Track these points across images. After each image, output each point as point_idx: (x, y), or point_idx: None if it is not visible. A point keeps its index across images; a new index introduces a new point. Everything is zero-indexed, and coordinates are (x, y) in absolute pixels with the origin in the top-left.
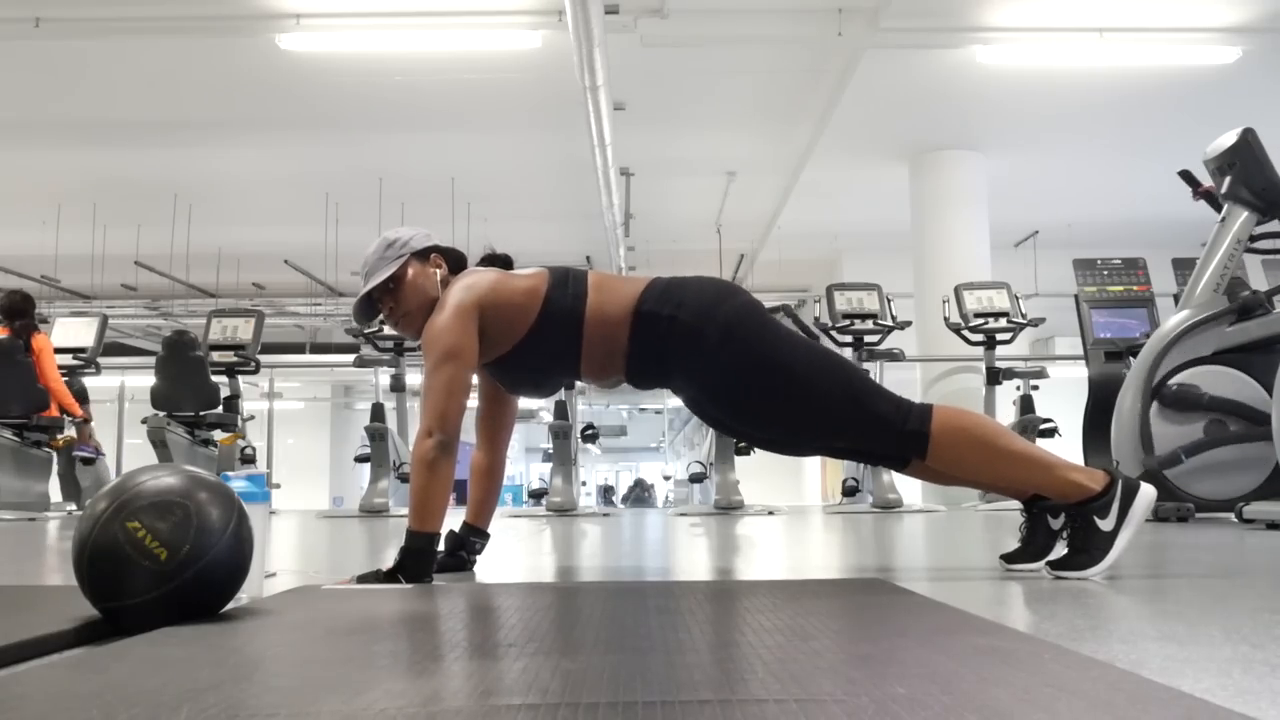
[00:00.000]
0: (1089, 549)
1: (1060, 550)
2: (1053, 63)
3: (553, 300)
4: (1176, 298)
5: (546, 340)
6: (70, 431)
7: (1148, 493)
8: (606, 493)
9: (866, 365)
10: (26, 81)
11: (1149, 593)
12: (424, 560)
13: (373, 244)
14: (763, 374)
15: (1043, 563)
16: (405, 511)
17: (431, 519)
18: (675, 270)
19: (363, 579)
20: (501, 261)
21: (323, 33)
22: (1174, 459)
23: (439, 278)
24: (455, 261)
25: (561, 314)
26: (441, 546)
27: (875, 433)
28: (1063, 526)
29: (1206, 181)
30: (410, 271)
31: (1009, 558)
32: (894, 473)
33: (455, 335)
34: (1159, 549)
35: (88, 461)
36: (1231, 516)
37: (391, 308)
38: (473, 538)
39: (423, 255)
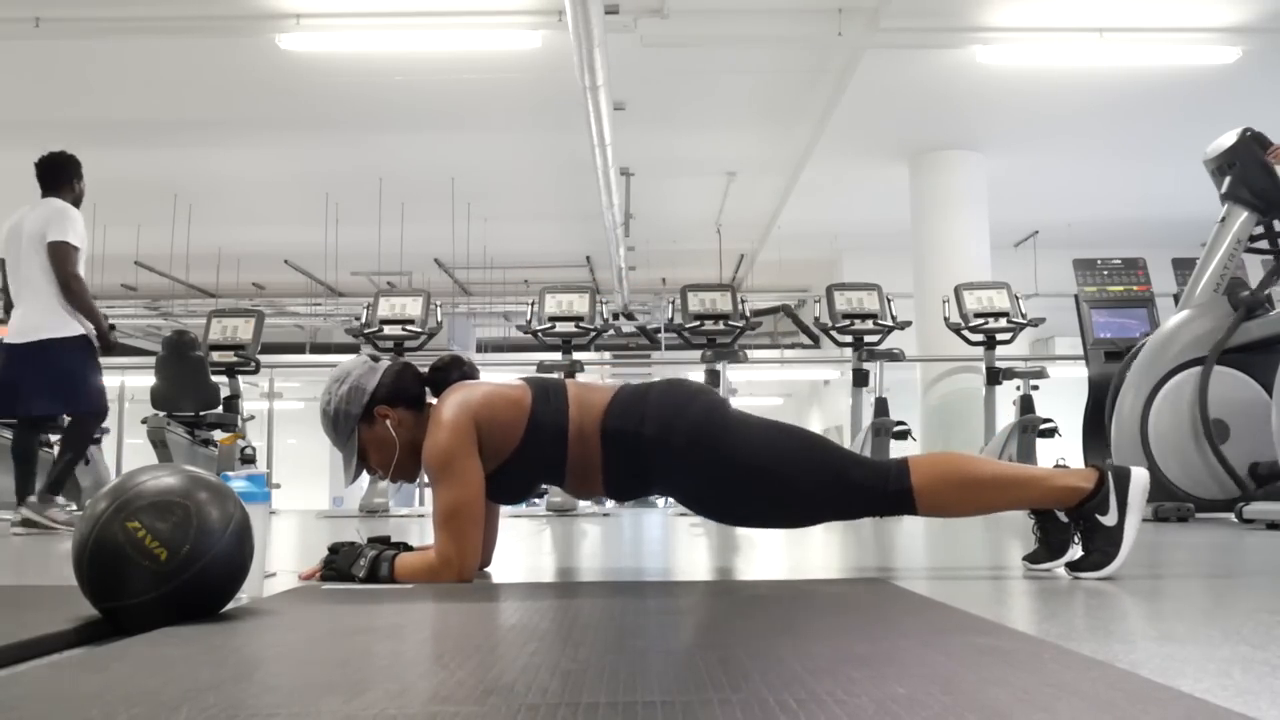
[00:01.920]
0: (1101, 547)
1: (1076, 552)
2: (1053, 63)
3: (538, 414)
4: (1176, 298)
5: (534, 454)
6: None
7: (1140, 476)
8: None
9: (866, 365)
10: (27, 81)
11: (1149, 593)
12: (355, 563)
13: (321, 421)
14: (736, 476)
15: (1062, 563)
16: (405, 511)
17: (406, 579)
18: (675, 270)
19: (336, 553)
20: (463, 373)
21: (323, 33)
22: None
23: (392, 426)
24: (402, 384)
25: (547, 428)
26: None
27: (861, 501)
28: (1073, 528)
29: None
30: (365, 438)
31: (1031, 558)
32: None
33: (460, 461)
34: (1159, 549)
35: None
36: (1231, 516)
37: (373, 468)
38: None
39: (367, 417)
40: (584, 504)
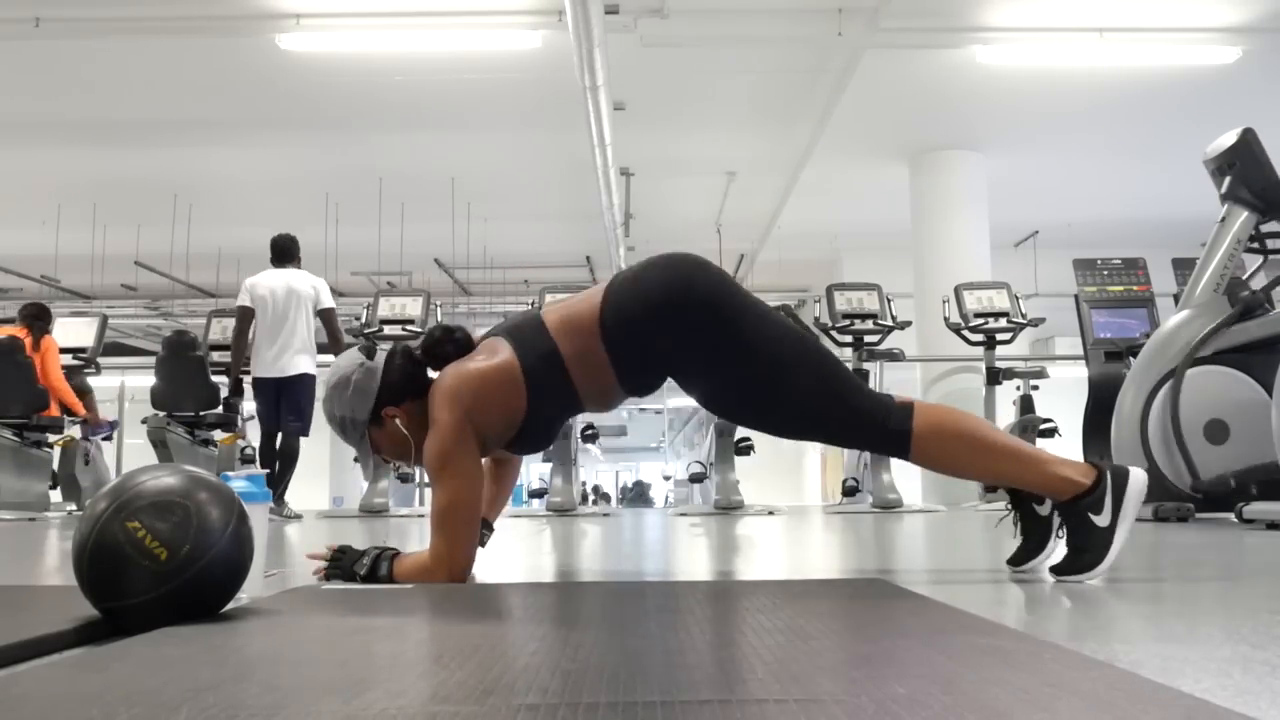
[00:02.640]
0: (1089, 547)
1: (1060, 552)
2: (1053, 63)
3: (532, 369)
4: (1176, 298)
5: (547, 404)
6: (70, 431)
7: (1138, 478)
8: (595, 491)
9: (866, 365)
10: (27, 81)
11: (1149, 593)
12: (379, 581)
13: (330, 425)
14: (739, 358)
15: (1043, 561)
16: (405, 511)
17: (407, 581)
18: None
19: (339, 557)
20: (456, 342)
21: (323, 33)
22: (1223, 482)
23: (401, 424)
24: (402, 378)
25: (548, 376)
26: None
27: (857, 429)
28: (1059, 525)
29: None
30: (377, 438)
31: (1013, 560)
32: (893, 474)
33: (457, 463)
34: (1159, 549)
35: (107, 438)
36: (1231, 516)
37: (388, 459)
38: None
39: (376, 421)
40: (584, 505)
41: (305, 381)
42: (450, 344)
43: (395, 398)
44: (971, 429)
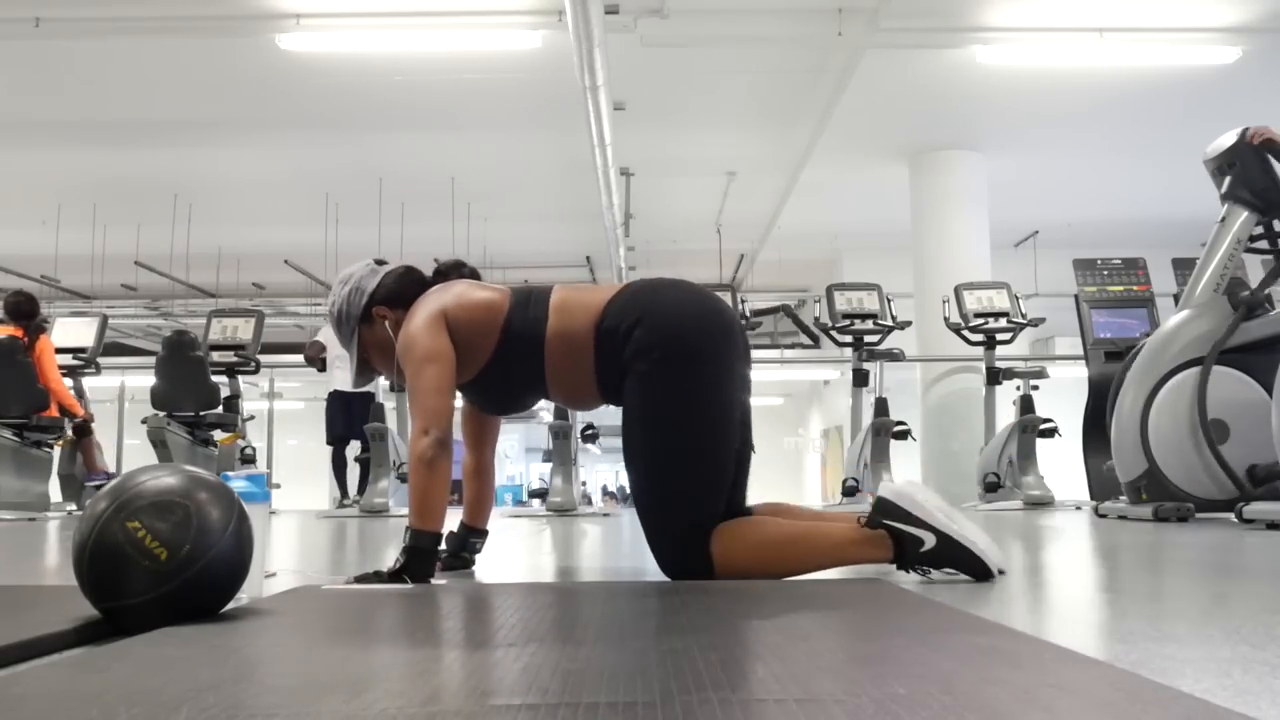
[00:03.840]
0: (960, 563)
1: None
2: (1053, 63)
3: (513, 322)
4: (1176, 298)
5: (511, 365)
6: (70, 432)
7: (890, 489)
8: (603, 492)
9: (867, 365)
10: (26, 81)
11: (1149, 593)
12: (428, 559)
13: (327, 319)
14: (685, 411)
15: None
16: (405, 511)
17: (433, 517)
18: (674, 267)
19: (361, 579)
20: (463, 273)
21: (323, 33)
22: (1274, 472)
23: (390, 326)
24: (403, 287)
25: (523, 338)
26: (443, 546)
27: (675, 538)
28: (922, 572)
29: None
30: (366, 339)
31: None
32: (893, 474)
33: (428, 339)
34: (1159, 549)
35: (98, 488)
36: (1231, 516)
37: (380, 371)
38: (472, 538)
39: (365, 318)
40: (584, 505)
41: (369, 397)
42: (456, 273)
43: (389, 300)
44: (761, 541)
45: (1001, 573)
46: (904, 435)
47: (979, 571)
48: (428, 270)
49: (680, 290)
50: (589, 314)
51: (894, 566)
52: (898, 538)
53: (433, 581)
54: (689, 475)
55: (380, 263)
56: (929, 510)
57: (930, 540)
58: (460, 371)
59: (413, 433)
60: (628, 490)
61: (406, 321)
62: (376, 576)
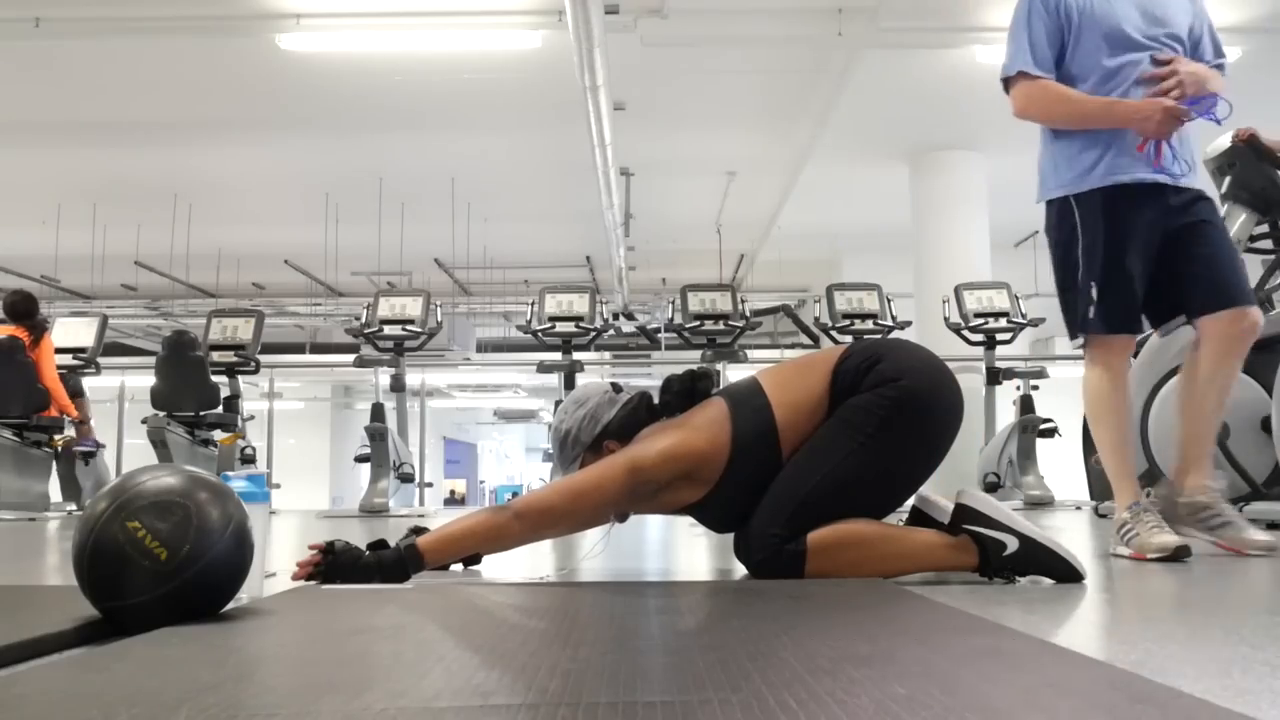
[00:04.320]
0: (1049, 569)
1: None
2: None
3: (738, 429)
4: None
5: (744, 466)
6: (70, 432)
7: (968, 495)
8: None
9: None
10: (26, 81)
11: (1149, 593)
12: (397, 574)
13: (551, 438)
14: (867, 430)
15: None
16: (405, 511)
17: (444, 554)
18: (674, 267)
19: (334, 557)
20: (700, 384)
21: (323, 33)
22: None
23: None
24: (637, 420)
25: (750, 437)
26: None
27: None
28: (1010, 578)
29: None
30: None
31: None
32: None
33: (608, 486)
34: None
35: (88, 456)
36: None
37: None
38: None
39: (595, 448)
40: None
41: None
42: (702, 384)
43: (621, 434)
44: (856, 535)
45: (1083, 576)
46: None
47: (1065, 574)
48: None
49: (921, 348)
50: (823, 369)
51: (978, 575)
52: (981, 543)
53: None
54: (856, 494)
55: (617, 389)
56: (1009, 513)
57: (1013, 544)
58: (684, 496)
59: (528, 498)
60: None
61: (635, 443)
62: (352, 557)
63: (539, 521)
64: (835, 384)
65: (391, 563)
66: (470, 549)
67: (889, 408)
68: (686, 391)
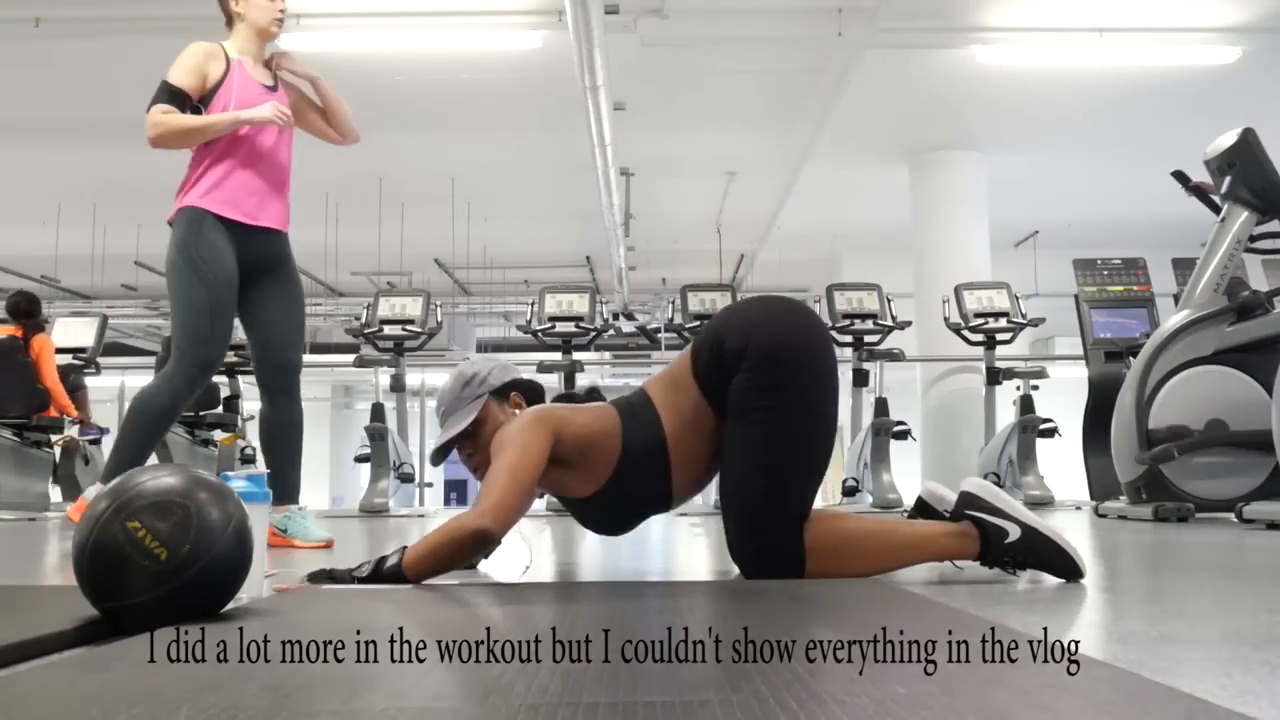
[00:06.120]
0: (1048, 562)
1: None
2: (1053, 63)
3: (629, 437)
4: (1176, 298)
5: (632, 471)
6: (70, 432)
7: (973, 483)
8: None
9: (867, 365)
10: (26, 81)
11: (1149, 593)
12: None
13: (448, 380)
14: (764, 393)
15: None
16: (405, 511)
17: (425, 575)
18: (674, 267)
19: (314, 578)
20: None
21: (323, 33)
22: (1167, 454)
23: (514, 413)
24: (533, 396)
25: (640, 450)
26: None
27: (768, 535)
28: (1010, 568)
29: (1198, 180)
30: (489, 413)
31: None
32: (893, 474)
33: (538, 441)
34: (1159, 549)
35: (94, 442)
36: (1231, 516)
37: (470, 453)
38: None
39: (501, 394)
40: None
41: None
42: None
43: (523, 392)
44: (852, 531)
45: (1083, 573)
46: (904, 435)
47: (1066, 569)
48: None
49: (754, 302)
50: (686, 376)
51: (979, 563)
52: (982, 529)
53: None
54: (800, 470)
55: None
56: (1012, 503)
57: (1015, 531)
58: (581, 483)
59: (473, 510)
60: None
61: (516, 420)
62: (330, 577)
63: (505, 519)
64: (704, 386)
65: (380, 578)
66: (445, 568)
67: (758, 375)
68: (585, 398)
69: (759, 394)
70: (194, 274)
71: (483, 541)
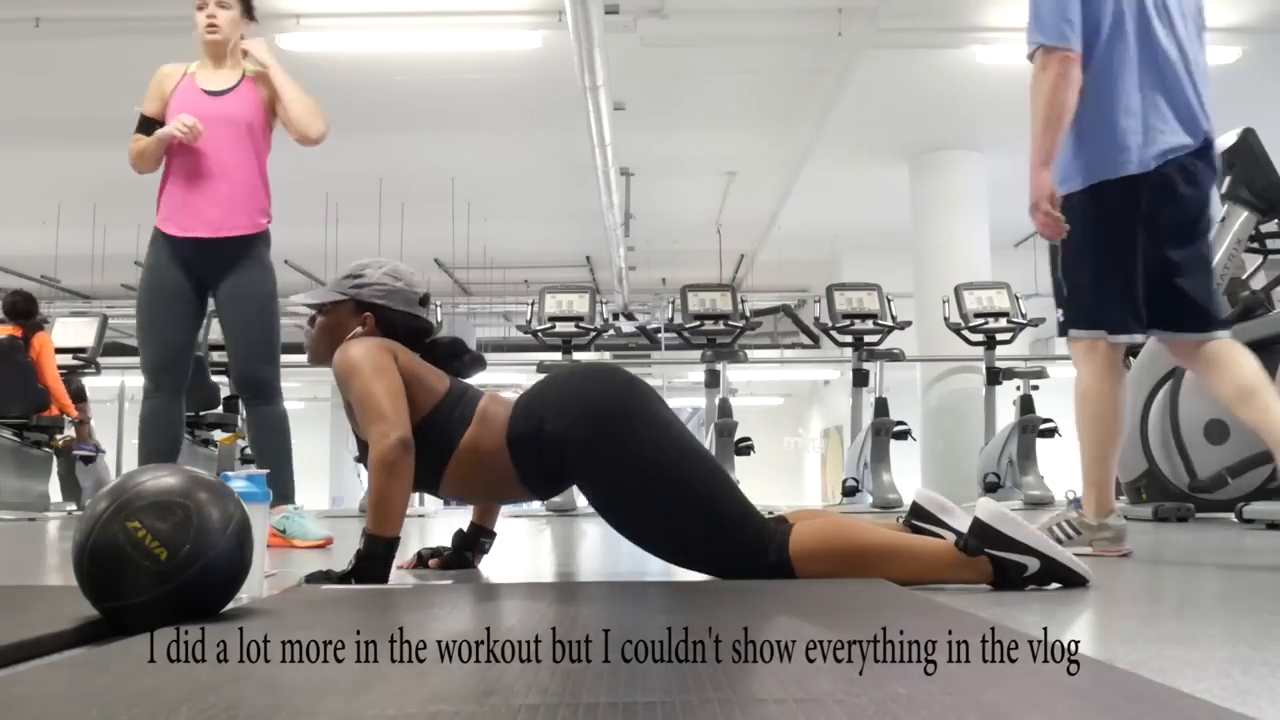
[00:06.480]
0: (1062, 579)
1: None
2: None
3: (440, 410)
4: None
5: (422, 442)
6: (70, 431)
7: (986, 510)
8: None
9: (866, 365)
10: (26, 81)
11: (1149, 593)
12: (381, 565)
13: (351, 263)
14: (624, 473)
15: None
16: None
17: (391, 522)
18: (674, 267)
19: (311, 579)
20: (451, 356)
21: (323, 33)
22: (1220, 481)
23: (361, 331)
24: (405, 333)
25: (438, 429)
26: (449, 544)
27: (739, 562)
28: (1026, 585)
29: None
30: (335, 318)
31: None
32: (893, 474)
33: (377, 356)
34: (1159, 549)
35: (88, 460)
36: (1231, 516)
37: (308, 330)
38: (481, 538)
39: (356, 310)
40: (583, 504)
41: None
42: (448, 354)
43: (386, 320)
44: (848, 547)
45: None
46: (904, 435)
47: (1075, 583)
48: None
49: (564, 372)
50: (501, 425)
51: (990, 588)
52: (1002, 567)
53: (385, 583)
54: (706, 498)
55: (424, 303)
56: (1031, 532)
57: (1034, 565)
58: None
59: (372, 435)
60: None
61: (360, 342)
62: (326, 577)
63: (403, 421)
64: (518, 458)
65: (364, 560)
66: (400, 498)
67: (602, 446)
68: (449, 356)
69: (614, 459)
70: (140, 286)
71: (405, 445)
